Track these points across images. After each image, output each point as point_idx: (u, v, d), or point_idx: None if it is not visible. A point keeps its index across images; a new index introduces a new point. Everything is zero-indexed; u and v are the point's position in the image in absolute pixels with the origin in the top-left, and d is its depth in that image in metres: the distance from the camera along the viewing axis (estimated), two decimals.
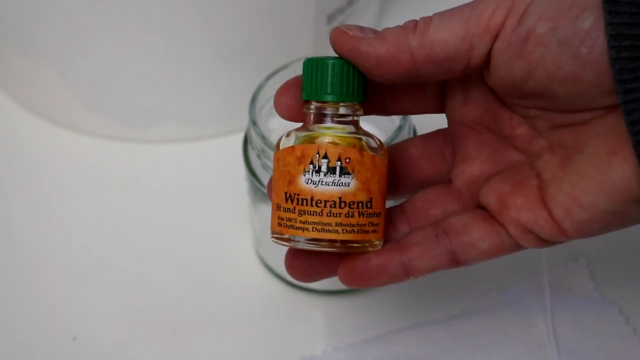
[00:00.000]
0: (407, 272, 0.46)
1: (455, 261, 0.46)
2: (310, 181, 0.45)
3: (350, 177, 0.45)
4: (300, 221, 0.45)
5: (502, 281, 0.59)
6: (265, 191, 0.55)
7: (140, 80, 0.64)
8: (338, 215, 0.44)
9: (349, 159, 0.44)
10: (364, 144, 0.45)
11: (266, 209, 0.56)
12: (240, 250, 0.61)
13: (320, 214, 0.45)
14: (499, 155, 0.47)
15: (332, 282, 0.59)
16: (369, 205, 0.45)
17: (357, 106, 0.46)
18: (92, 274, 0.61)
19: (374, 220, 0.45)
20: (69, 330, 0.58)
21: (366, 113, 0.47)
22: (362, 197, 0.45)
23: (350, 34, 0.44)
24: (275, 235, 0.46)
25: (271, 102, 0.57)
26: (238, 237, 0.62)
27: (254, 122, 0.54)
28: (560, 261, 0.60)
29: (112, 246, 0.62)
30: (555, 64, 0.42)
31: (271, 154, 0.53)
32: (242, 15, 0.62)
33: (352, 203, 0.44)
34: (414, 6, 0.74)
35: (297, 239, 0.45)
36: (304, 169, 0.45)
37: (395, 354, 0.56)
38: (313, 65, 0.45)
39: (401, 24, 0.45)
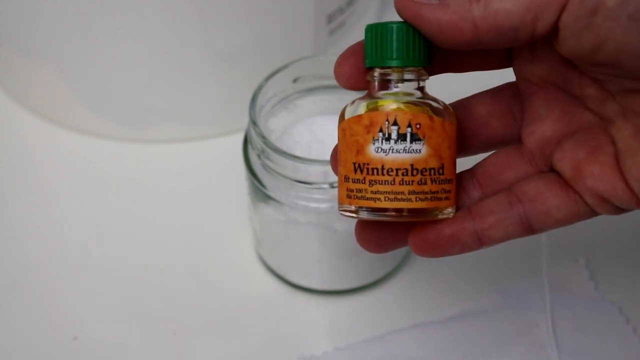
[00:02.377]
0: (480, 242, 0.45)
1: (529, 229, 0.45)
2: (380, 149, 0.43)
3: (422, 144, 0.43)
4: (372, 191, 0.44)
5: (502, 281, 0.59)
6: (268, 192, 0.55)
7: (140, 80, 0.64)
8: (410, 183, 0.43)
9: (419, 124, 0.43)
10: (433, 108, 0.44)
11: (266, 209, 0.56)
12: (240, 250, 0.61)
13: (392, 182, 0.43)
14: (570, 115, 0.46)
15: (332, 282, 0.59)
16: (441, 171, 0.44)
17: (422, 71, 0.45)
18: (92, 274, 0.61)
19: (446, 187, 0.44)
20: (69, 330, 0.58)
21: (431, 73, 0.46)
22: (434, 163, 0.43)
23: None
24: (344, 208, 0.45)
25: (271, 102, 0.57)
26: (238, 237, 0.62)
27: (254, 122, 0.54)
28: (560, 261, 0.60)
29: (112, 246, 0.62)
30: (626, 38, 0.41)
31: (271, 154, 0.53)
32: (242, 16, 0.62)
33: (424, 170, 0.43)
34: None
35: (368, 209, 0.44)
36: (373, 137, 0.43)
37: (395, 354, 0.56)
38: (376, 31, 0.44)
39: None
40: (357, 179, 0.44)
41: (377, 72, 0.45)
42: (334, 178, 0.53)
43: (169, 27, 0.61)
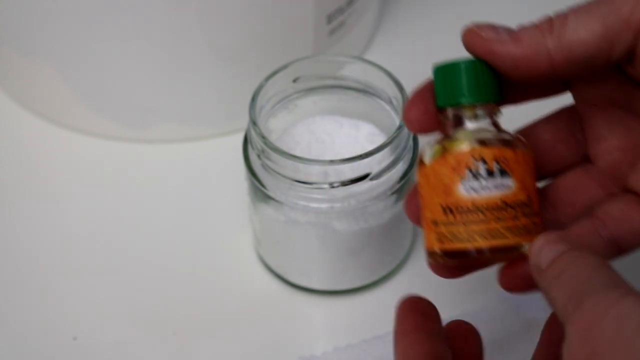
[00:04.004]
0: None
1: (619, 251, 0.44)
2: (470, 188, 0.42)
3: (509, 178, 0.43)
4: (466, 232, 0.43)
5: None
6: (268, 192, 0.55)
7: (140, 81, 0.64)
8: (504, 219, 0.42)
9: (506, 159, 0.43)
10: (512, 142, 0.43)
11: (266, 209, 0.56)
12: (240, 250, 0.61)
13: (486, 220, 0.42)
14: (636, 135, 0.45)
15: (332, 282, 0.59)
16: (529, 204, 0.43)
17: (495, 105, 0.44)
18: (92, 274, 0.61)
19: (535, 219, 0.43)
20: (69, 330, 0.58)
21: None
22: (522, 196, 0.43)
23: (484, 35, 0.43)
24: (436, 252, 0.44)
25: (271, 102, 0.57)
26: (238, 237, 0.62)
27: (254, 122, 0.54)
28: None
29: (112, 246, 0.62)
30: None
31: (271, 154, 0.53)
32: (242, 15, 0.62)
33: (515, 204, 0.43)
34: (415, 6, 0.74)
35: (463, 251, 0.43)
36: (461, 177, 0.43)
37: None
38: (446, 71, 0.44)
39: (535, 21, 0.43)
40: (449, 222, 0.43)
41: (450, 112, 0.44)
42: (333, 178, 0.53)
43: (169, 27, 0.61)
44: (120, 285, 0.60)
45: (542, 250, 0.41)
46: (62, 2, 0.61)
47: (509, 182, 0.43)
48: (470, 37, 0.43)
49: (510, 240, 0.43)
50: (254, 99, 0.55)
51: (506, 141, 0.43)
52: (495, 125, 0.44)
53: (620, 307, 0.36)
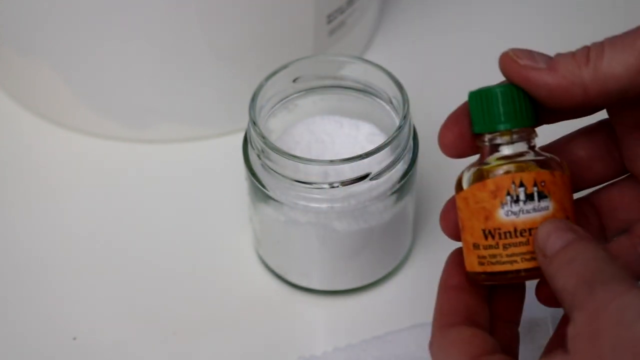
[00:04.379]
0: None
1: None
2: (510, 212, 0.43)
3: (548, 200, 0.44)
4: (507, 255, 0.44)
5: None
6: (268, 192, 0.55)
7: (140, 81, 0.64)
8: None
9: (544, 182, 0.44)
10: (548, 164, 0.44)
11: (266, 209, 0.56)
12: (240, 250, 0.61)
13: (527, 243, 0.44)
14: None
15: (332, 282, 0.59)
16: None
17: (531, 129, 0.45)
18: (92, 274, 0.61)
19: None
20: (69, 330, 0.58)
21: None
22: (562, 216, 0.44)
23: (521, 62, 0.44)
24: (476, 274, 0.45)
25: (271, 102, 0.57)
26: (238, 237, 0.62)
27: (254, 122, 0.54)
28: None
29: (112, 246, 0.62)
30: None
31: (271, 154, 0.53)
32: (242, 15, 0.62)
33: None
34: (415, 6, 0.74)
35: (505, 273, 0.44)
36: (501, 202, 0.44)
37: (395, 354, 0.56)
38: (482, 97, 0.45)
39: (573, 51, 0.44)
40: (490, 245, 0.44)
41: (487, 137, 0.45)
42: (333, 178, 0.53)
43: (169, 27, 0.61)
44: (120, 285, 0.60)
45: (550, 236, 0.42)
46: (63, 2, 0.61)
47: (548, 204, 0.44)
48: (507, 62, 0.44)
49: None
50: (254, 99, 0.55)
51: (544, 164, 0.44)
52: (532, 147, 0.45)
53: (625, 297, 0.38)
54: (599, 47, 0.43)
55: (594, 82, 0.43)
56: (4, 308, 0.60)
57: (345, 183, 0.53)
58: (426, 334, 0.56)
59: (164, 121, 0.66)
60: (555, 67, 0.43)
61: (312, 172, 0.53)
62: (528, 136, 0.45)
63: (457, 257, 0.47)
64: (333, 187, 0.53)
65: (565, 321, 0.45)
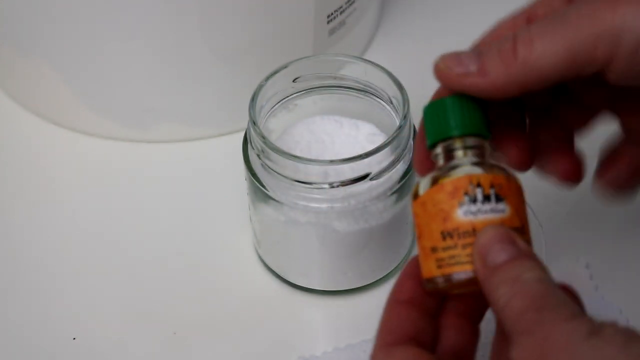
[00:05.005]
0: None
1: None
2: (469, 212, 0.43)
3: (504, 203, 0.43)
4: (466, 255, 0.43)
5: None
6: (268, 192, 0.55)
7: (140, 81, 0.64)
8: None
9: (501, 185, 0.44)
10: (503, 170, 0.44)
11: (266, 209, 0.56)
12: (240, 250, 0.61)
13: None
14: None
15: (332, 282, 0.59)
16: (523, 230, 0.44)
17: (483, 140, 0.45)
18: (92, 274, 0.61)
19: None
20: (69, 330, 0.58)
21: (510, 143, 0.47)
22: (517, 222, 0.44)
23: (454, 72, 0.44)
24: (434, 281, 0.44)
25: (271, 102, 0.57)
26: (238, 237, 0.62)
27: (254, 122, 0.54)
28: (560, 261, 0.60)
29: (112, 246, 0.62)
30: None
31: (271, 153, 0.53)
32: (242, 15, 0.62)
33: (511, 229, 0.43)
34: (415, 6, 0.74)
35: (464, 272, 0.43)
36: (459, 202, 0.43)
37: None
38: (432, 109, 0.45)
39: (498, 43, 0.44)
40: (448, 246, 0.44)
41: (439, 147, 0.45)
42: (333, 178, 0.53)
43: (169, 27, 0.61)
44: (120, 285, 0.60)
45: (493, 246, 0.42)
46: (63, 3, 0.61)
47: (504, 207, 0.44)
48: (441, 74, 0.45)
49: None
50: (253, 99, 0.55)
51: (500, 169, 0.44)
52: (483, 156, 0.45)
53: (572, 323, 0.39)
54: (527, 38, 0.43)
55: (526, 77, 0.43)
56: (4, 308, 0.60)
57: (345, 183, 0.53)
58: None
59: (164, 121, 0.66)
60: (485, 69, 0.43)
61: (312, 172, 0.53)
62: (481, 145, 0.45)
63: (410, 269, 0.46)
64: (333, 187, 0.53)
65: (501, 339, 0.45)
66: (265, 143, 0.54)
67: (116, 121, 0.66)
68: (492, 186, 0.43)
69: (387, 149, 0.53)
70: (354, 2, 0.66)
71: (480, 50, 0.44)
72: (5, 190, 0.65)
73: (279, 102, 0.58)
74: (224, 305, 0.59)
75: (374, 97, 0.57)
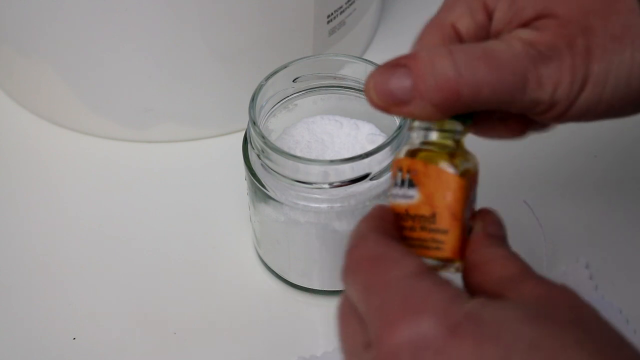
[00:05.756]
0: None
1: None
2: (391, 195, 0.44)
3: (415, 189, 0.44)
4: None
5: None
6: (268, 192, 0.55)
7: (140, 81, 0.64)
8: (402, 228, 0.44)
9: (416, 171, 0.44)
10: (450, 159, 0.44)
11: (266, 209, 0.56)
12: (240, 250, 0.61)
13: (399, 227, 0.44)
14: None
15: (332, 282, 0.59)
16: (431, 219, 0.44)
17: (457, 124, 0.45)
18: (92, 274, 0.61)
19: (437, 236, 0.44)
20: (69, 330, 0.58)
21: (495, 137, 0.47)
22: (425, 210, 0.44)
23: (387, 104, 0.44)
24: None
25: (271, 102, 0.57)
26: (238, 237, 0.62)
27: (254, 122, 0.54)
28: (560, 261, 0.60)
29: (112, 246, 0.62)
30: None
31: (271, 153, 0.53)
32: (242, 16, 0.62)
33: (414, 216, 0.44)
34: (415, 6, 0.74)
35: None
36: (394, 182, 0.45)
37: None
38: None
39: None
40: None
41: (416, 122, 0.45)
42: (333, 178, 0.53)
43: (169, 27, 0.61)
44: (121, 285, 0.60)
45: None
46: (63, 3, 0.61)
47: (414, 194, 0.44)
48: (381, 108, 0.45)
49: None
50: (253, 99, 0.55)
51: (425, 155, 0.44)
52: (457, 142, 0.45)
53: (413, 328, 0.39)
54: (457, 72, 0.43)
55: (466, 95, 0.43)
56: (4, 308, 0.60)
57: (345, 183, 0.53)
58: None
59: (164, 121, 0.66)
60: (411, 101, 0.44)
61: (312, 172, 0.53)
62: (453, 128, 0.45)
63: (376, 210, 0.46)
64: (333, 187, 0.53)
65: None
66: (265, 143, 0.54)
67: (116, 121, 0.66)
68: (408, 171, 0.44)
69: (387, 149, 0.53)
70: (354, 2, 0.66)
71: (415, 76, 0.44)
72: (5, 190, 0.65)
73: (279, 102, 0.58)
74: (224, 306, 0.59)
75: None
